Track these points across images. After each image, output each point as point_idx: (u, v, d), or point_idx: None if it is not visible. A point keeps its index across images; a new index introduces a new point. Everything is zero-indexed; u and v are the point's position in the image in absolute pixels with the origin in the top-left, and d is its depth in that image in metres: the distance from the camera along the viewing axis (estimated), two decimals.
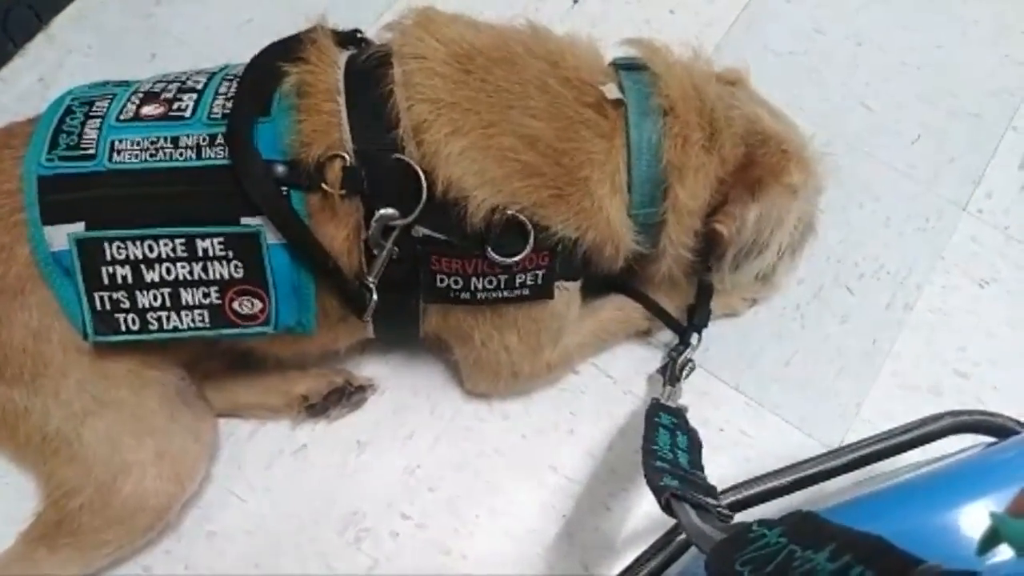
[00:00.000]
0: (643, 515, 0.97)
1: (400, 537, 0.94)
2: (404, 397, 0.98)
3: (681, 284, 0.95)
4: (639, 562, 0.90)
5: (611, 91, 0.80)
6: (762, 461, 0.99)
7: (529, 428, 0.99)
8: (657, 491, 0.69)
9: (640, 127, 0.81)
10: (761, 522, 0.52)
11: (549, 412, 0.99)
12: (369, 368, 0.99)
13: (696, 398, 0.97)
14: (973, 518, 0.74)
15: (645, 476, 0.72)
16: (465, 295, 0.81)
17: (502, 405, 0.99)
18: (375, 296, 0.79)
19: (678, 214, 0.83)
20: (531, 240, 0.77)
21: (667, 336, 1.02)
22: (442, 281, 0.80)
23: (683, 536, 0.90)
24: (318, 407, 0.94)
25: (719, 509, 0.66)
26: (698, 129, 0.81)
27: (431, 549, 0.94)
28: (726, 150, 0.83)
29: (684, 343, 0.96)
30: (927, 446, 0.96)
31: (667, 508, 0.67)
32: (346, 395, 0.94)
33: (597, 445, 0.99)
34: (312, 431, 0.96)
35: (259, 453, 0.95)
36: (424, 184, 0.74)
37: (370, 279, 0.78)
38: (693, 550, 0.91)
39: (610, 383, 1.01)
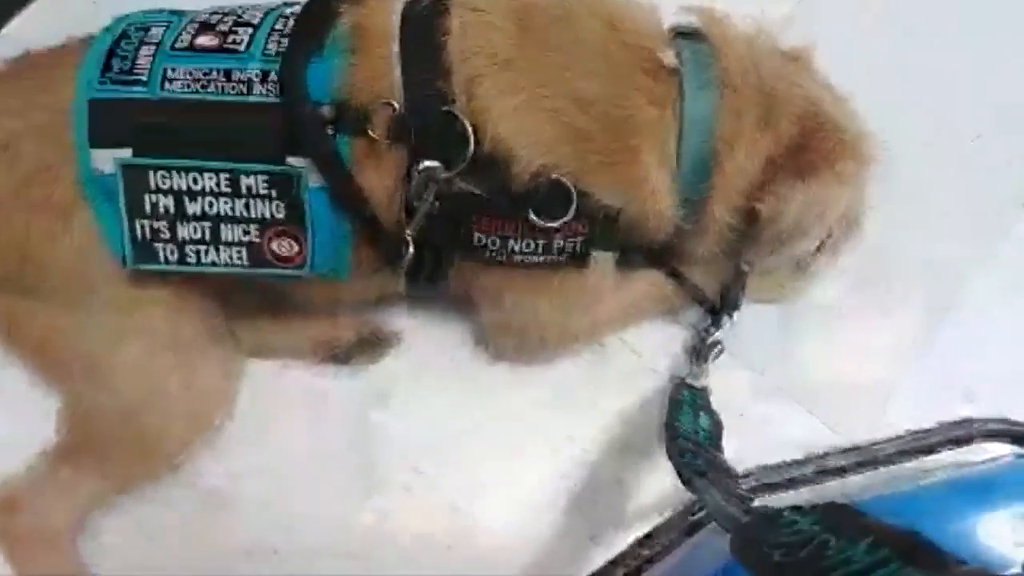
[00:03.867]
0: (655, 492, 0.97)
1: (412, 491, 0.94)
2: (428, 354, 0.98)
3: (719, 264, 0.93)
4: (649, 538, 0.91)
5: (669, 58, 0.79)
6: (781, 450, 0.98)
7: (549, 396, 0.98)
8: (679, 467, 0.69)
9: (695, 99, 0.79)
10: (793, 508, 0.52)
11: (571, 382, 0.99)
12: (397, 321, 0.98)
13: (720, 380, 0.95)
14: (997, 527, 0.74)
15: (667, 452, 0.73)
16: (501, 256, 0.80)
17: (525, 371, 0.98)
18: (411, 249, 0.78)
19: (724, 191, 0.81)
20: (574, 206, 0.76)
21: (697, 316, 1.00)
22: (480, 240, 0.79)
23: (696, 517, 0.91)
24: (342, 355, 0.94)
25: (740, 491, 0.66)
26: (754, 105, 0.79)
27: (441, 506, 0.94)
28: (780, 129, 0.80)
29: (715, 324, 0.94)
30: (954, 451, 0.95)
31: (688, 484, 0.67)
32: (371, 345, 0.94)
33: (616, 419, 0.98)
34: (335, 378, 0.96)
35: (280, 396, 0.95)
36: (471, 139, 0.73)
37: (408, 232, 0.77)
38: (685, 547, 0.91)
39: (635, 358, 1.00)
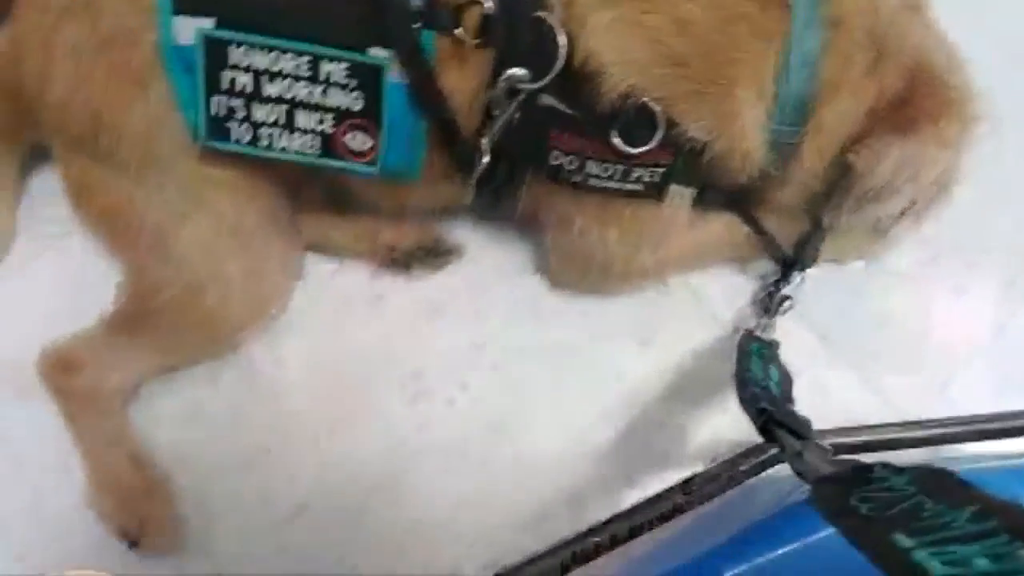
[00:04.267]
0: (697, 441, 0.96)
1: (455, 406, 0.94)
2: (486, 271, 0.96)
3: (796, 216, 0.89)
4: (688, 483, 0.90)
5: None
6: (830, 418, 0.95)
7: (604, 331, 0.96)
8: (754, 414, 0.67)
9: (803, 36, 0.74)
10: (885, 465, 0.50)
11: (628, 319, 0.96)
12: (459, 233, 0.97)
13: (778, 338, 0.93)
14: None
15: (740, 400, 0.71)
16: (576, 178, 0.77)
17: (582, 302, 0.96)
18: (485, 160, 0.76)
19: (818, 138, 0.77)
20: (659, 134, 0.73)
21: (766, 267, 0.97)
22: (556, 158, 0.76)
23: (742, 469, 0.89)
24: (402, 260, 0.93)
25: (818, 443, 0.64)
26: (865, 50, 0.74)
27: (481, 425, 0.94)
28: (888, 80, 0.75)
29: (785, 279, 0.91)
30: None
31: (764, 432, 0.66)
32: (432, 254, 0.93)
33: (668, 362, 0.96)
34: (391, 284, 0.95)
35: (336, 294, 0.95)
36: (563, 51, 0.70)
37: (484, 141, 0.75)
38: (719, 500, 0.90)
39: (697, 303, 0.97)
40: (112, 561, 0.87)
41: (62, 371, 0.85)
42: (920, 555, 0.41)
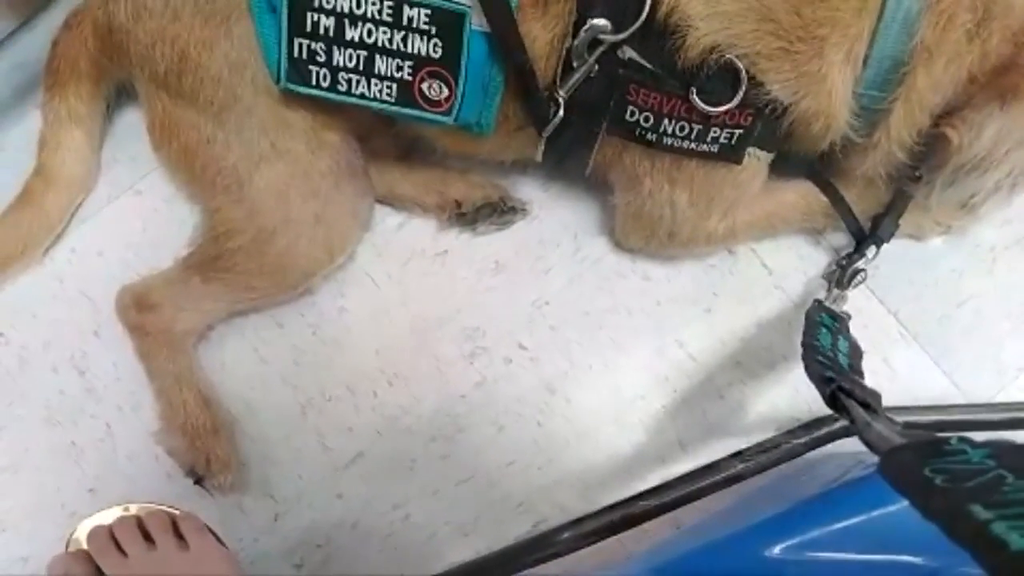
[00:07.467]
0: (754, 413, 0.95)
1: (512, 364, 0.95)
2: (552, 230, 0.96)
3: (877, 187, 0.86)
4: (749, 452, 0.89)
5: None
6: (897, 397, 0.93)
7: (667, 296, 0.95)
8: (822, 382, 0.65)
9: None
10: (961, 438, 0.48)
11: (691, 285, 0.95)
12: (526, 191, 0.96)
13: (849, 311, 0.91)
14: None
15: (807, 370, 0.69)
16: (651, 136, 0.76)
17: (646, 265, 0.95)
18: (561, 112, 0.75)
19: (909, 105, 0.74)
20: (741, 93, 0.71)
21: (839, 240, 0.94)
22: (632, 115, 0.75)
23: (797, 443, 0.88)
24: (468, 216, 0.93)
25: (888, 416, 0.62)
26: (969, 10, 0.70)
27: (538, 384, 0.94)
28: (992, 43, 0.70)
29: (859, 252, 0.88)
30: None
31: (832, 402, 0.64)
32: (498, 212, 0.92)
33: (730, 332, 0.95)
34: (456, 239, 0.96)
35: (402, 247, 0.95)
36: (648, 2, 0.68)
37: (561, 93, 0.74)
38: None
39: (764, 273, 0.95)
40: (178, 497, 0.90)
41: (138, 309, 0.87)
42: (999, 527, 0.40)
